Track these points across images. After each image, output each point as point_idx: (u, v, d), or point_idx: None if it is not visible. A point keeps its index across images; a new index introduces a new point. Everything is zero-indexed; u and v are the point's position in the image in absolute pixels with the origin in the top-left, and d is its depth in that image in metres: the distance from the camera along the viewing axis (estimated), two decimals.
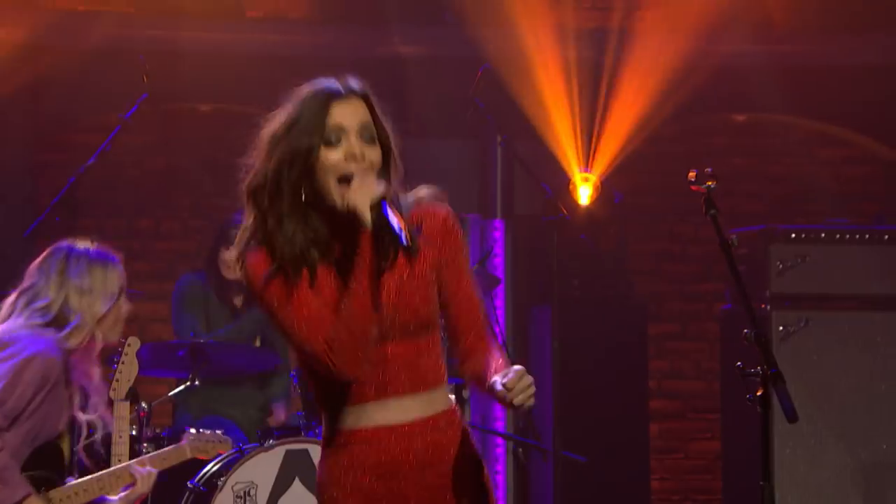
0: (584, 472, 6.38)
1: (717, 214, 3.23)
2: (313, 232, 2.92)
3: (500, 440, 7.56)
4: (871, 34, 8.02)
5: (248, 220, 2.97)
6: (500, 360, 2.95)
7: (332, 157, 2.92)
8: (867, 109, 8.07)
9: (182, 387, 5.60)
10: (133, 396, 4.92)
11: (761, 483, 3.23)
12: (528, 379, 2.78)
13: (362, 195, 2.87)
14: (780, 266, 5.87)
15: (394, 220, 2.86)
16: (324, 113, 2.96)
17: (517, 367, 2.81)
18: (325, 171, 2.91)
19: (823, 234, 5.96)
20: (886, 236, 5.97)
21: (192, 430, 4.94)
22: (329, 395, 2.96)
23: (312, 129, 2.94)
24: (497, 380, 2.82)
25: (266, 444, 5.44)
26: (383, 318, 2.91)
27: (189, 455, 4.83)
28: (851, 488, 5.75)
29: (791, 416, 3.07)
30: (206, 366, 5.62)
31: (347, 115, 2.98)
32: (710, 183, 3.26)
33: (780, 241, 5.91)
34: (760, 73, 7.88)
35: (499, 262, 7.73)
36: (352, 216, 2.87)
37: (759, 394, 3.15)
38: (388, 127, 3.02)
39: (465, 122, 7.66)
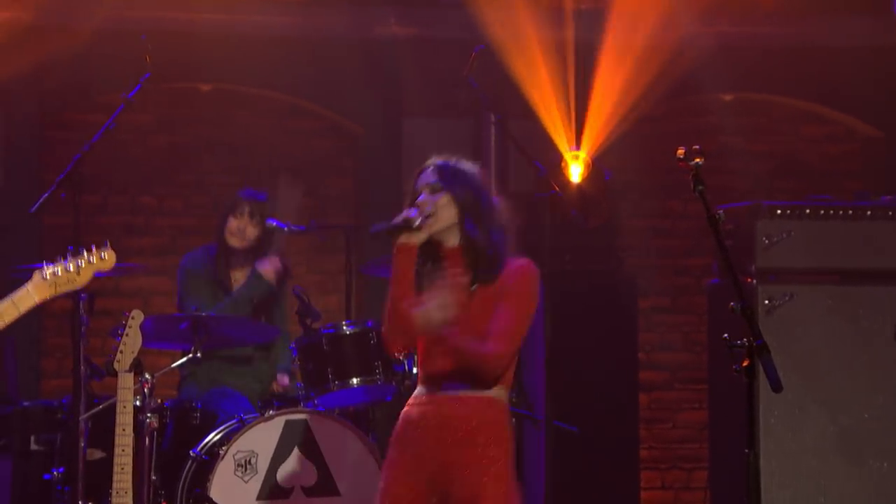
0: (575, 441, 6.38)
1: (704, 190, 3.23)
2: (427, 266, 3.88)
3: None
4: (852, 17, 8.03)
5: None
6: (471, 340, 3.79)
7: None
8: (848, 89, 8.07)
9: (184, 359, 5.59)
10: (137, 368, 4.91)
11: (746, 451, 3.24)
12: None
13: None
14: (766, 241, 5.85)
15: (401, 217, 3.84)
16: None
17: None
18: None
19: (808, 210, 5.94)
20: (868, 212, 5.96)
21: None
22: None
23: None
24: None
25: (266, 415, 5.45)
26: (462, 323, 3.71)
27: (36, 298, 3.94)
28: (833, 455, 5.76)
29: (776, 386, 3.07)
30: (208, 338, 5.61)
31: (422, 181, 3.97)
32: (697, 160, 3.25)
33: (766, 217, 5.89)
34: (747, 53, 7.87)
35: None
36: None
37: (745, 365, 3.15)
38: (466, 180, 3.92)
39: (460, 101, 7.67)
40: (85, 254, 3.96)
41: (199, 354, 5.57)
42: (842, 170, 8.28)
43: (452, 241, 3.82)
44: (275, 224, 6.19)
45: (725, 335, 3.22)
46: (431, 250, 3.85)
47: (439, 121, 7.80)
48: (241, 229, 6.16)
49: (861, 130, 8.36)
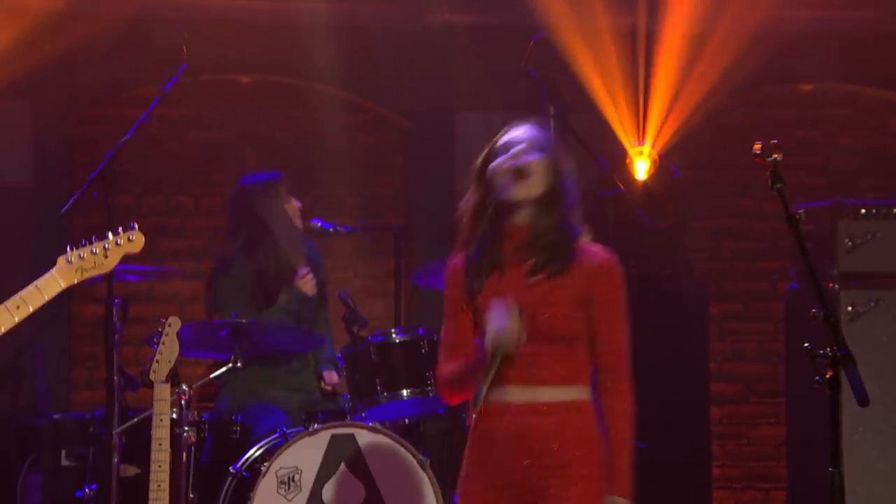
0: (643, 457, 6.35)
1: (783, 188, 3.22)
2: (487, 242, 3.69)
3: None
4: None
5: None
6: (614, 417, 3.65)
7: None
8: None
9: (224, 368, 5.62)
10: (174, 378, 4.95)
11: (830, 469, 3.21)
12: None
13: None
14: (849, 243, 5.82)
15: None
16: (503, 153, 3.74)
17: None
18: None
19: (895, 210, 5.90)
20: None
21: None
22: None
23: (501, 170, 3.71)
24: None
25: (311, 429, 5.47)
26: (529, 319, 3.54)
27: (62, 283, 3.95)
28: None
29: (862, 400, 3.05)
30: (249, 346, 5.64)
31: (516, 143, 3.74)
32: (776, 155, 3.24)
33: (849, 217, 5.86)
34: (828, 40, 7.80)
35: None
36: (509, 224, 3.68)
37: (827, 376, 3.13)
38: (560, 156, 3.73)
39: (517, 93, 7.66)
40: (111, 236, 4.00)
41: (238, 364, 5.60)
42: None
43: (523, 217, 3.65)
44: (319, 224, 6.23)
45: (806, 344, 3.20)
46: (496, 221, 3.68)
47: (494, 114, 7.77)
48: (296, 208, 6.27)
49: None
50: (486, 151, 3.77)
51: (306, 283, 6.19)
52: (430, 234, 7.77)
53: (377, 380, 5.71)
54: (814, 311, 3.15)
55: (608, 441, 3.62)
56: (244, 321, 5.67)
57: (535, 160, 3.66)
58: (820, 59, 7.80)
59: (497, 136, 3.77)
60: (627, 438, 3.63)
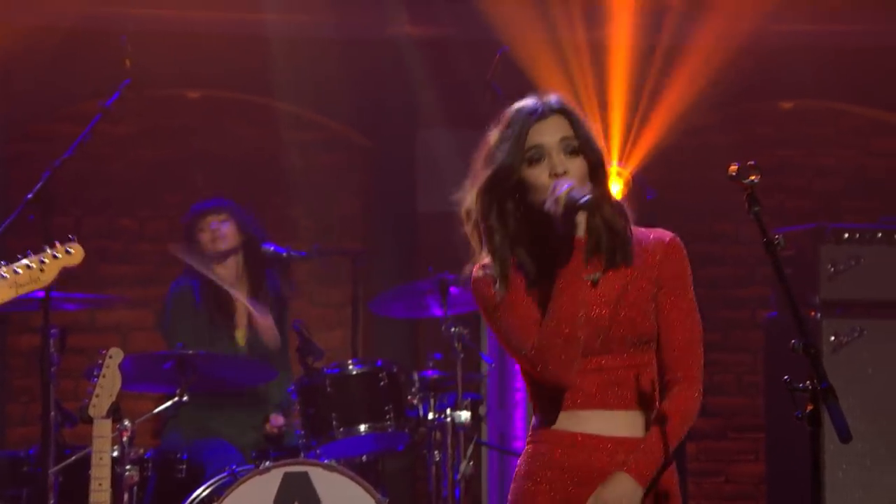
0: None
1: (760, 212, 3.22)
2: (524, 242, 3.34)
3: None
4: None
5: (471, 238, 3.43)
6: (674, 416, 3.31)
7: (537, 175, 3.31)
8: None
9: (169, 402, 5.61)
10: (115, 414, 4.92)
11: None
12: None
13: (567, 194, 3.23)
14: (832, 269, 5.85)
15: (576, 191, 3.22)
16: (523, 133, 3.33)
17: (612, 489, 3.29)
18: (533, 190, 3.31)
19: (880, 234, 5.94)
20: None
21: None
22: (543, 395, 3.38)
23: (514, 150, 3.32)
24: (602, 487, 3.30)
25: (262, 467, 5.45)
26: (599, 329, 3.31)
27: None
28: None
29: (844, 436, 3.05)
30: (196, 379, 5.62)
31: (547, 133, 3.33)
32: (753, 177, 3.24)
33: (832, 242, 5.89)
34: (810, 55, 7.86)
35: None
36: (562, 225, 3.25)
37: (808, 410, 3.13)
38: (592, 138, 3.37)
39: (482, 109, 7.67)
40: (48, 249, 3.97)
41: (185, 398, 5.58)
42: None
43: (580, 230, 3.26)
44: (272, 249, 6.23)
45: (786, 377, 3.21)
46: (545, 239, 3.31)
47: (458, 132, 7.81)
48: (214, 230, 6.23)
49: None
50: (503, 134, 3.34)
51: (266, 333, 6.20)
52: (391, 260, 7.78)
53: (333, 414, 5.70)
54: (793, 341, 3.16)
55: (650, 433, 3.31)
56: (190, 352, 5.65)
57: (573, 167, 3.30)
58: (801, 76, 7.86)
59: (514, 115, 3.36)
60: (674, 437, 3.30)
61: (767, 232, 3.22)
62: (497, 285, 3.33)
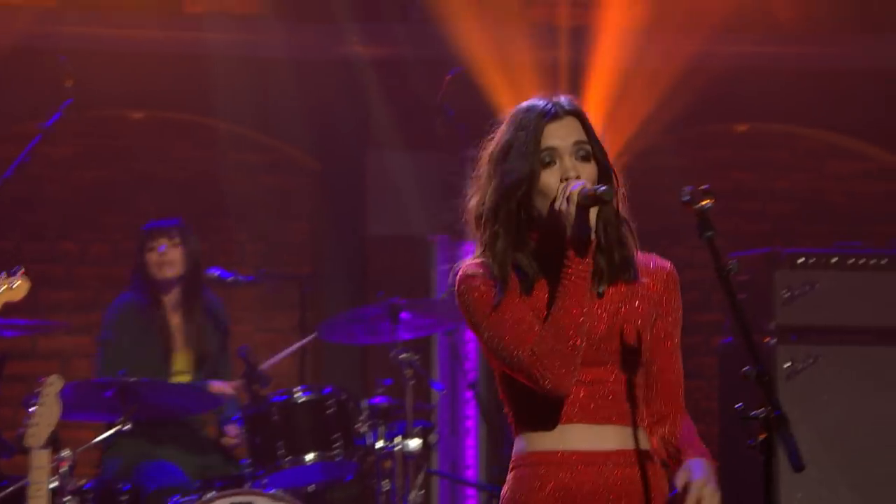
0: None
1: (713, 237, 3.23)
2: (526, 247, 3.26)
3: (470, 490, 7.55)
4: (888, 34, 8.07)
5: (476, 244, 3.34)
6: (693, 435, 3.40)
7: (548, 179, 3.23)
8: (885, 118, 8.12)
9: (111, 431, 5.57)
10: (54, 443, 4.88)
11: None
12: (712, 488, 3.24)
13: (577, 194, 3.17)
14: (787, 294, 5.88)
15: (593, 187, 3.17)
16: (537, 135, 3.25)
17: (701, 470, 3.27)
18: (542, 194, 3.23)
19: (835, 259, 5.97)
20: None
21: None
22: (529, 412, 3.27)
23: (526, 153, 3.24)
24: (682, 473, 3.25)
25: (206, 497, 5.42)
26: (597, 339, 3.24)
27: None
28: None
29: (797, 465, 3.06)
30: (139, 407, 5.59)
31: (560, 136, 3.27)
32: (705, 202, 3.26)
33: (786, 267, 5.93)
34: (765, 77, 7.92)
35: None
36: (573, 226, 3.17)
37: (761, 439, 3.15)
38: (603, 143, 3.33)
39: (433, 131, 7.69)
40: None
41: (127, 427, 5.54)
42: (875, 212, 8.33)
43: (590, 231, 3.21)
44: (218, 274, 6.20)
45: (739, 404, 3.22)
46: (550, 244, 3.24)
47: (410, 154, 7.82)
48: (162, 254, 6.19)
49: None
50: (514, 134, 3.26)
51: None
52: (339, 284, 7.76)
53: (279, 443, 5.68)
54: (746, 368, 3.17)
55: (683, 453, 3.32)
56: (132, 380, 5.62)
57: (588, 171, 3.25)
58: (755, 98, 7.92)
59: (526, 114, 3.28)
60: (706, 449, 3.34)
61: (719, 257, 3.24)
62: (495, 288, 3.22)
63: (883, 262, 5.99)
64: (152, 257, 6.24)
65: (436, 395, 7.08)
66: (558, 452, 3.25)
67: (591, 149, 3.29)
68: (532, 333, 3.18)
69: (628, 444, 3.29)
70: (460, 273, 3.28)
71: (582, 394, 3.24)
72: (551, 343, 3.17)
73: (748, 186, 8.25)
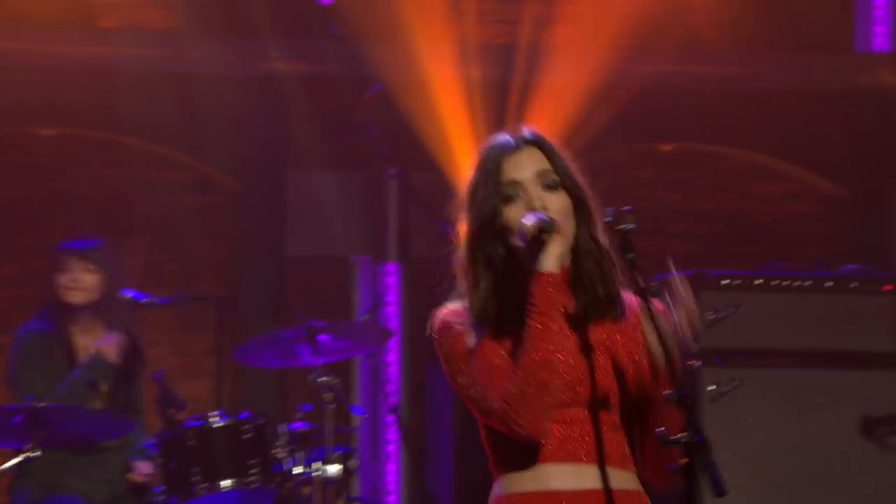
0: None
1: (636, 259, 3.24)
2: (502, 289, 3.19)
3: None
4: (814, 54, 8.17)
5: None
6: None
7: (511, 214, 3.19)
8: (810, 139, 8.21)
9: (19, 458, 5.50)
10: None
11: None
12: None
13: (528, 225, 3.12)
14: (711, 316, 5.92)
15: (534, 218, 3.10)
16: (497, 171, 3.22)
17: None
18: (510, 231, 3.18)
19: (759, 281, 6.01)
20: (829, 283, 6.05)
21: None
22: (506, 454, 3.22)
23: (490, 191, 3.20)
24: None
25: None
26: (574, 378, 3.18)
27: None
28: None
29: (719, 490, 3.07)
30: (48, 434, 5.52)
31: (520, 167, 3.24)
32: (627, 224, 3.27)
33: (711, 288, 5.95)
34: (689, 97, 7.98)
35: (392, 311, 7.72)
36: (530, 261, 3.12)
37: (682, 464, 3.16)
38: (571, 169, 3.29)
39: (354, 150, 7.69)
40: None
41: (37, 453, 5.47)
42: (800, 233, 8.42)
43: (552, 264, 3.14)
44: (131, 295, 6.15)
45: (661, 428, 3.23)
46: (518, 281, 3.18)
47: (330, 173, 7.82)
48: (74, 279, 6.11)
49: (822, 188, 8.50)
50: (478, 175, 3.25)
51: (110, 348, 6.07)
52: (257, 306, 7.73)
53: (194, 469, 5.64)
54: (667, 392, 3.18)
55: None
56: (42, 405, 5.55)
57: (555, 204, 3.20)
58: (679, 118, 7.98)
59: (486, 152, 3.28)
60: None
61: (639, 279, 3.25)
62: (472, 335, 3.18)
63: (807, 283, 6.04)
64: (63, 279, 6.17)
65: (356, 420, 7.06)
66: (535, 493, 3.20)
67: (559, 178, 3.24)
68: (503, 379, 3.13)
69: (613, 484, 3.24)
70: (438, 320, 3.24)
71: (560, 433, 3.20)
72: (521, 387, 3.11)
73: (675, 207, 8.31)
